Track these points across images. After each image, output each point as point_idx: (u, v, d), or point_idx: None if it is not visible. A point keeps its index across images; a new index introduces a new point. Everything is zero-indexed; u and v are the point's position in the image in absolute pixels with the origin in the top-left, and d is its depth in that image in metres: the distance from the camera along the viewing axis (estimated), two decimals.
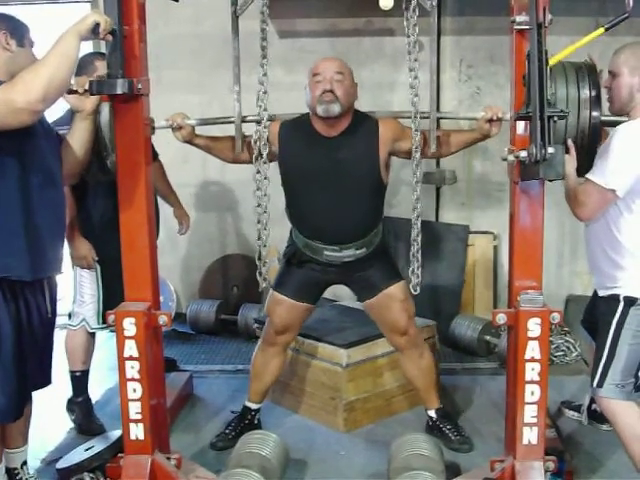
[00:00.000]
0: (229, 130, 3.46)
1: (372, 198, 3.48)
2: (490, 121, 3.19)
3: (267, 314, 3.71)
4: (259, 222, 3.32)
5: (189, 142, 3.40)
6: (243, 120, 3.41)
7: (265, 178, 3.28)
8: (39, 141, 2.83)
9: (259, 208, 3.30)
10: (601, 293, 3.11)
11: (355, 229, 3.46)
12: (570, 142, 2.93)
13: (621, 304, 2.98)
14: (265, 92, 3.24)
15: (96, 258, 3.78)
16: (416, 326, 3.66)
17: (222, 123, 3.53)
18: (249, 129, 3.40)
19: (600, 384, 3.01)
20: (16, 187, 2.73)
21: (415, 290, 3.31)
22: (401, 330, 3.57)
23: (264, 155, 3.26)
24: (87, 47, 3.15)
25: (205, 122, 3.42)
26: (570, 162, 2.91)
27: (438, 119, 3.34)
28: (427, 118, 3.30)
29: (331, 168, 3.38)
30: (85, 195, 3.67)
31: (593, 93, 2.97)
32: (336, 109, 3.30)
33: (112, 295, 3.65)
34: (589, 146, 3.00)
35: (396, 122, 3.45)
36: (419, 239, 3.30)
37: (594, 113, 2.96)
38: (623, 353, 2.98)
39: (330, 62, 3.40)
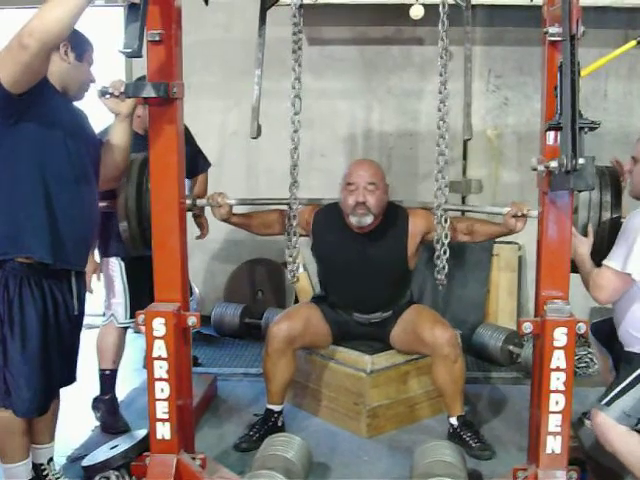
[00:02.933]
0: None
1: (399, 281, 3.78)
2: (515, 216, 3.28)
3: (281, 315, 3.82)
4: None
5: (226, 220, 3.52)
6: (278, 203, 3.56)
7: (295, 182, 3.31)
8: (68, 134, 2.87)
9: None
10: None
11: (382, 304, 3.78)
12: (590, 227, 3.08)
13: None
14: (297, 96, 3.27)
15: (98, 279, 3.92)
16: (451, 329, 3.71)
17: (261, 204, 3.71)
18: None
19: (609, 404, 2.99)
20: (37, 173, 2.78)
21: (442, 283, 3.38)
22: (436, 337, 3.62)
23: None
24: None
25: (244, 202, 3.54)
26: (586, 245, 3.08)
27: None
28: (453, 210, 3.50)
29: (361, 262, 3.63)
30: (109, 195, 3.71)
31: (614, 199, 3.10)
32: (368, 220, 3.52)
33: (138, 290, 3.76)
34: (608, 244, 3.09)
35: (426, 215, 3.60)
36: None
37: (614, 215, 3.10)
38: (638, 396, 2.99)
39: (363, 171, 3.55)
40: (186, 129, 3.41)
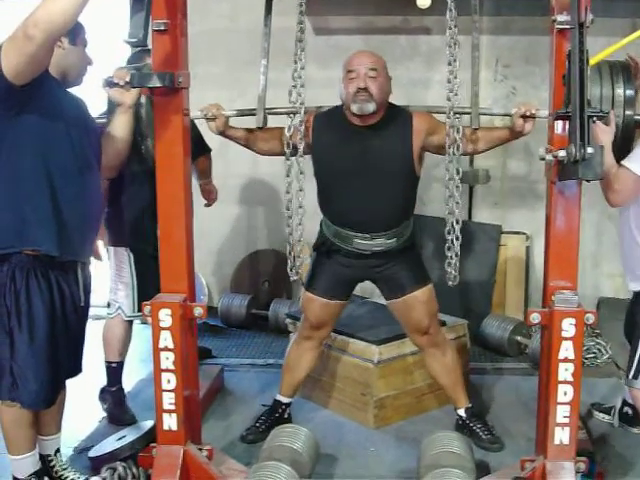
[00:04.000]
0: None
1: (404, 189, 3.48)
2: (524, 117, 3.14)
3: (302, 311, 3.73)
4: (290, 217, 3.32)
5: (222, 133, 3.39)
6: (278, 113, 3.40)
7: (301, 173, 3.28)
8: (70, 125, 2.86)
9: (289, 199, 3.29)
10: (636, 288, 3.09)
11: (386, 218, 3.46)
12: (612, 114, 2.90)
13: None
14: (302, 85, 3.24)
15: (105, 248, 3.87)
16: (438, 325, 3.68)
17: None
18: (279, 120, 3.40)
19: (636, 376, 2.98)
20: (41, 165, 2.77)
21: (453, 282, 3.31)
22: (423, 330, 3.58)
23: (300, 148, 3.27)
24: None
25: (240, 113, 3.42)
26: (607, 134, 2.87)
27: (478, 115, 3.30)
28: (464, 114, 3.27)
29: (364, 158, 3.38)
30: (121, 185, 3.71)
31: (627, 92, 2.95)
32: (370, 107, 3.29)
33: (146, 283, 3.72)
34: (622, 144, 2.99)
35: (430, 116, 3.44)
36: (458, 231, 3.33)
37: (627, 112, 2.95)
38: None
39: (364, 57, 3.37)
40: None
